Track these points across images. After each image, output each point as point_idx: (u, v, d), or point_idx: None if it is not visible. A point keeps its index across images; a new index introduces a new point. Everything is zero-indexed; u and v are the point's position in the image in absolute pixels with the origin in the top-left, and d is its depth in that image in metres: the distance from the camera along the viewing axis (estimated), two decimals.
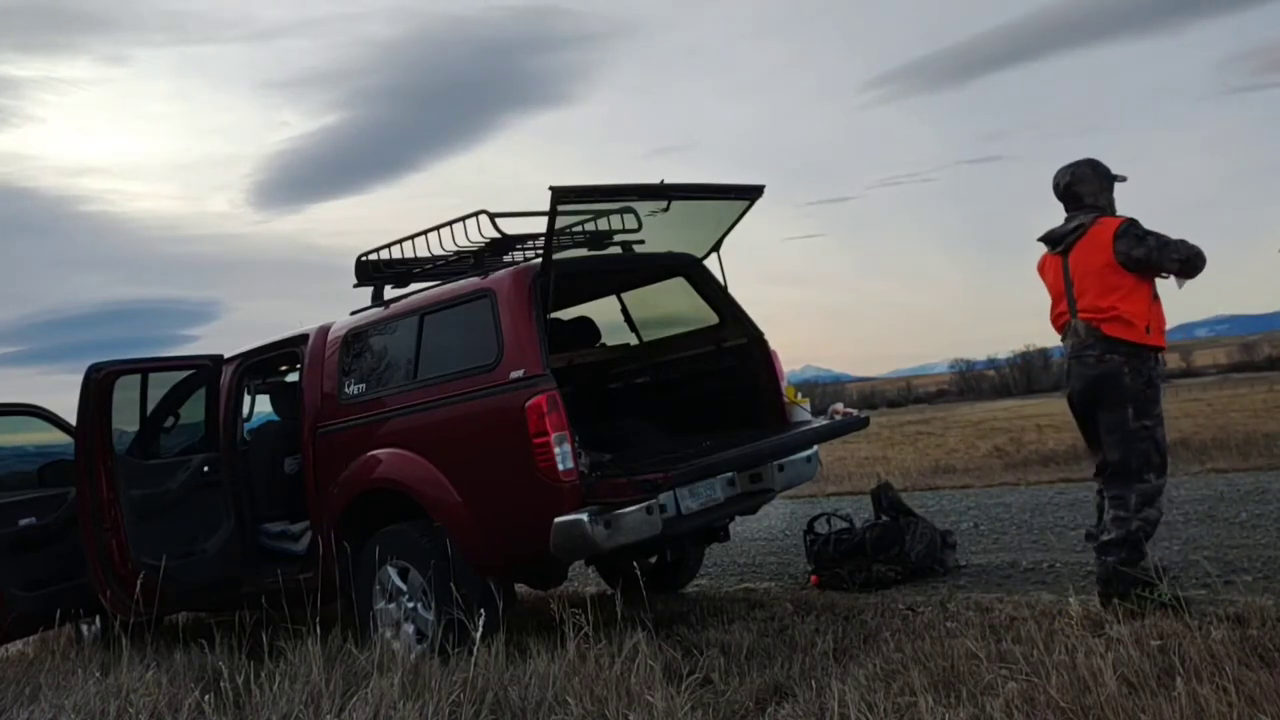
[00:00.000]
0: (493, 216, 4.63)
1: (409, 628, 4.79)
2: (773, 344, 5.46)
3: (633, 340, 6.07)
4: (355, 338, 5.33)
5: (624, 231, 5.17)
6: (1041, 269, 4.64)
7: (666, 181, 4.53)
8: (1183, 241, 4.22)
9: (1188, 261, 4.21)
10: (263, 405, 6.73)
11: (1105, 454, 4.35)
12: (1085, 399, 4.43)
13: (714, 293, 5.51)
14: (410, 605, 4.81)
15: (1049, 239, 4.55)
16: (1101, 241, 4.27)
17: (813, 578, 5.82)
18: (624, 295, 5.93)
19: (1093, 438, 4.55)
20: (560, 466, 4.21)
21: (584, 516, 4.15)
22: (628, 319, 5.99)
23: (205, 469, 5.65)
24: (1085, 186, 4.44)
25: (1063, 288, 4.44)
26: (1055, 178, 4.51)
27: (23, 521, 6.04)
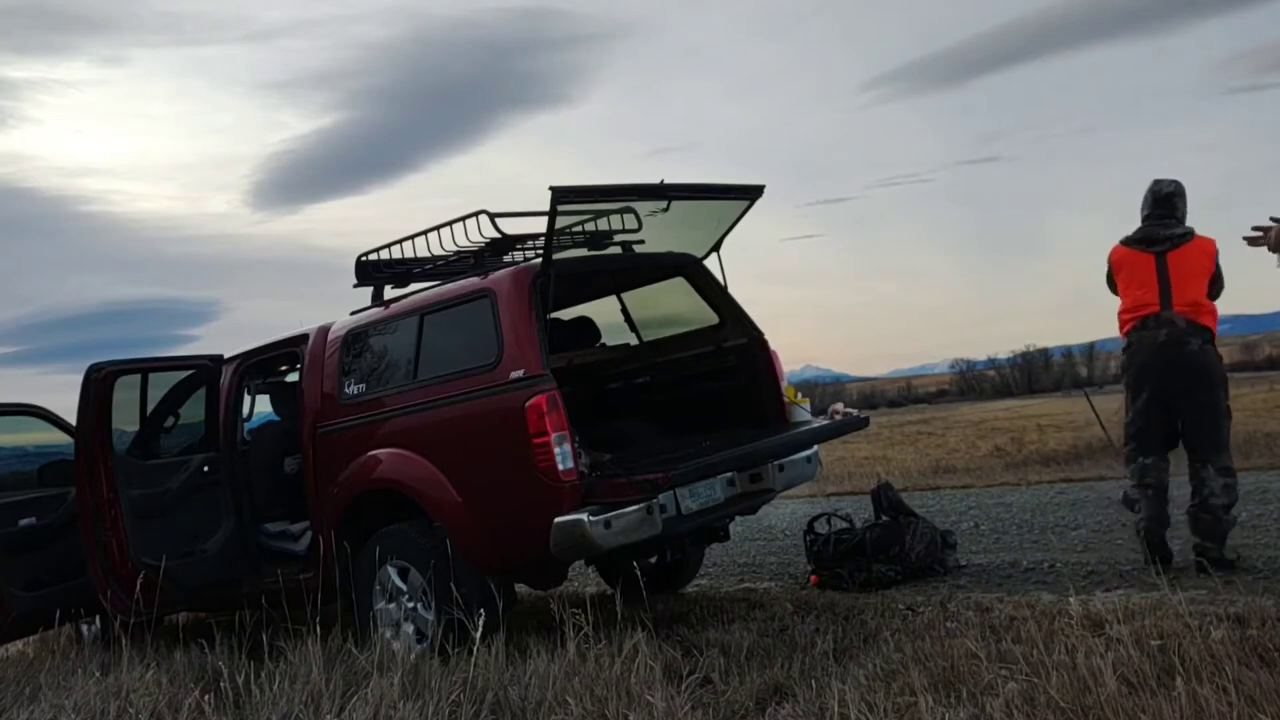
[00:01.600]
0: (493, 216, 4.62)
1: (409, 628, 4.79)
2: (773, 344, 5.47)
3: (633, 340, 6.06)
4: (355, 338, 5.33)
5: (624, 231, 5.16)
6: (1122, 261, 5.19)
7: (666, 181, 4.53)
8: None
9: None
10: (263, 405, 6.74)
11: (1200, 435, 4.98)
12: (1181, 383, 4.95)
13: (714, 293, 5.50)
14: (410, 605, 4.81)
15: (1149, 239, 5.08)
16: (1209, 252, 5.01)
17: (813, 578, 5.82)
18: (624, 295, 5.93)
19: (1160, 421, 5.06)
20: (560, 466, 4.21)
21: (584, 516, 4.15)
22: (628, 319, 5.99)
23: (205, 469, 5.64)
24: (1181, 202, 5.12)
25: (1154, 282, 5.00)
26: (1160, 184, 5.14)
27: (23, 521, 6.04)
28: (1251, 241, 5.11)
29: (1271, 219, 4.98)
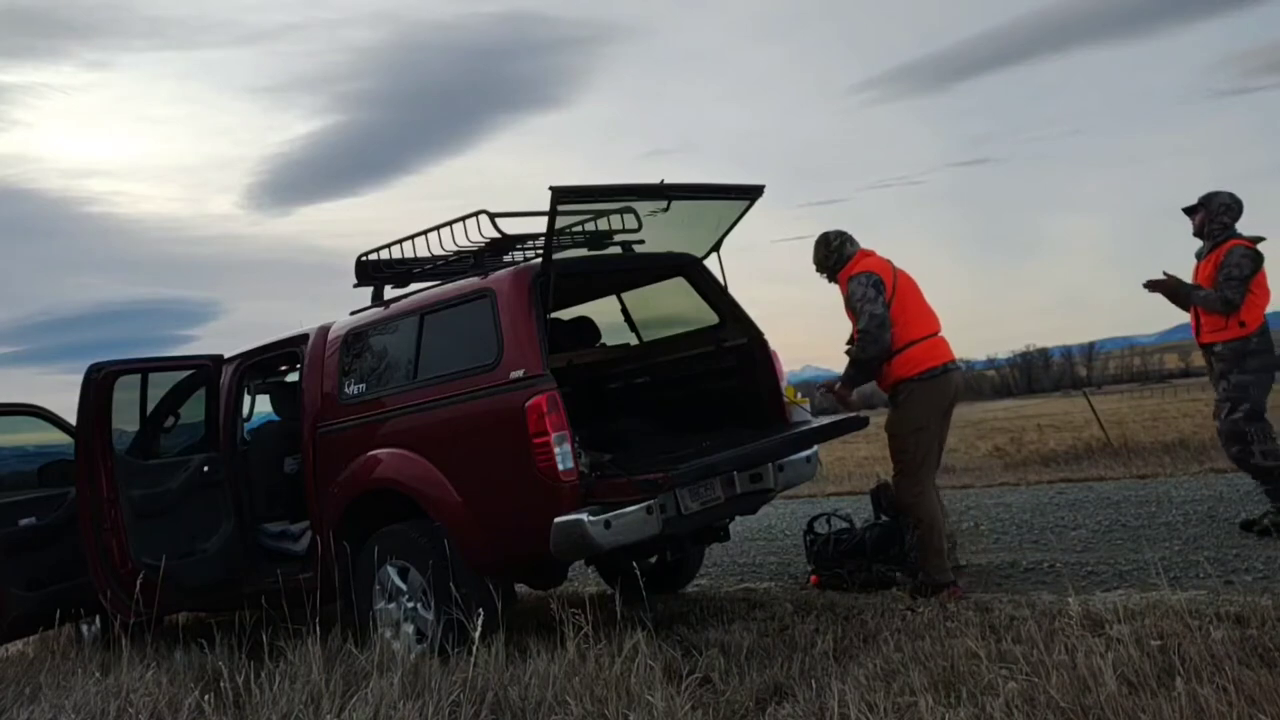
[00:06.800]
0: (493, 216, 4.62)
1: (409, 628, 4.79)
2: (773, 344, 5.47)
3: (633, 340, 6.06)
4: (355, 338, 5.33)
5: (624, 231, 5.16)
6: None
7: (666, 181, 4.53)
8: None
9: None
10: (263, 405, 6.74)
11: None
12: None
13: (714, 293, 5.50)
14: (410, 605, 4.80)
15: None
16: None
17: (813, 578, 5.82)
18: (624, 295, 5.93)
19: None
20: (560, 466, 4.21)
21: (584, 516, 4.15)
22: (628, 319, 5.99)
23: (205, 469, 5.64)
24: None
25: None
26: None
27: (23, 521, 6.04)
28: (1150, 287, 5.81)
29: (1165, 273, 5.79)
